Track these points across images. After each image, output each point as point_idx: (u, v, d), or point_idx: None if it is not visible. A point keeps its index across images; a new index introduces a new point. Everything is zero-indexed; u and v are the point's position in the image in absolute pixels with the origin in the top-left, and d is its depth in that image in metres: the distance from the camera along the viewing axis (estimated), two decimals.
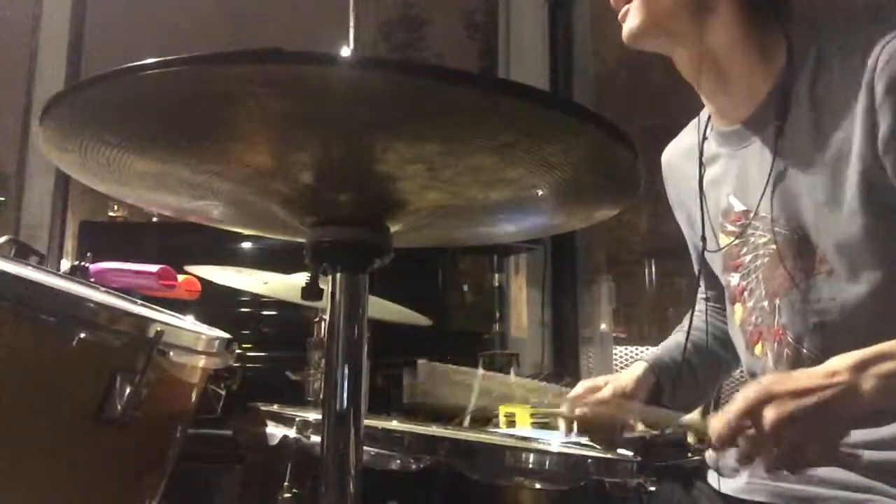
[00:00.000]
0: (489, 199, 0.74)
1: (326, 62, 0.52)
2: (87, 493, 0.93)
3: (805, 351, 1.07)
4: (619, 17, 1.13)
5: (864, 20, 1.07)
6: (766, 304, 1.12)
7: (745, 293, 1.15)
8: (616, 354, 3.02)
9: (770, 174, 1.07)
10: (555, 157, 0.64)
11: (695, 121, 1.27)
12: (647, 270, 3.50)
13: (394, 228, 0.75)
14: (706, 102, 1.19)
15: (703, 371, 1.32)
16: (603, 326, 3.08)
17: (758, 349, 1.14)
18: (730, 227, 1.16)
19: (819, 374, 0.91)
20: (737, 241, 1.14)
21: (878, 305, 1.01)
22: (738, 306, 1.18)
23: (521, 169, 0.66)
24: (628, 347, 3.10)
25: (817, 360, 1.03)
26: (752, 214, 1.11)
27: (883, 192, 0.98)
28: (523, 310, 3.09)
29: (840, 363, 0.91)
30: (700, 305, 1.35)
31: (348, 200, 0.72)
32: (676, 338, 1.35)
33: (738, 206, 1.14)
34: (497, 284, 2.70)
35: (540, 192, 0.71)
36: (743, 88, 1.11)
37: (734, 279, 1.17)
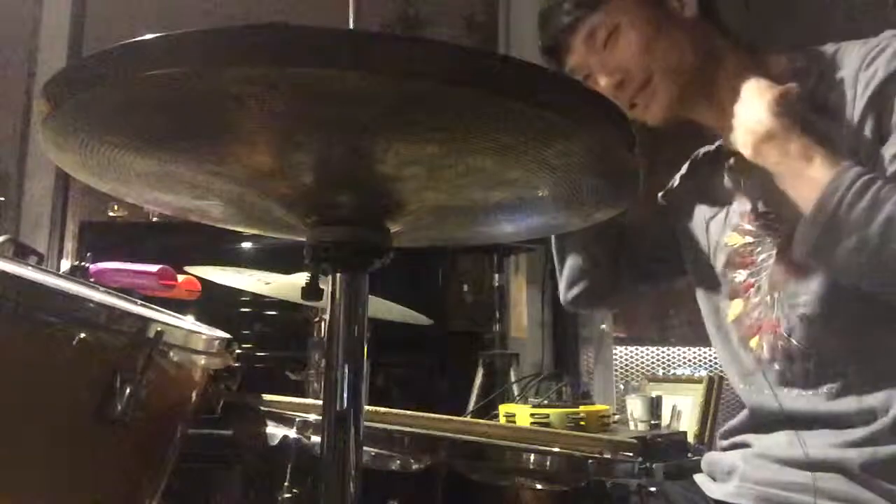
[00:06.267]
0: (489, 199, 0.74)
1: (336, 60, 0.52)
2: (87, 493, 0.93)
3: (795, 343, 1.09)
4: (630, 108, 1.16)
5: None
6: (768, 298, 1.13)
7: (752, 290, 1.16)
8: (616, 354, 3.02)
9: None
10: (555, 159, 0.64)
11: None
12: None
13: (394, 228, 0.75)
14: (725, 135, 1.21)
15: None
16: (603, 326, 3.08)
17: (753, 342, 1.16)
18: (746, 227, 1.18)
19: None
20: (752, 240, 1.16)
21: (860, 302, 1.02)
22: (737, 302, 1.19)
23: (522, 170, 0.66)
24: (628, 347, 3.10)
25: (806, 352, 1.06)
26: (773, 216, 1.14)
27: None
28: (523, 310, 3.09)
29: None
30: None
31: (348, 201, 0.72)
32: None
33: (762, 207, 1.16)
34: (497, 284, 2.69)
35: (540, 193, 0.71)
36: None
37: (740, 276, 1.18)
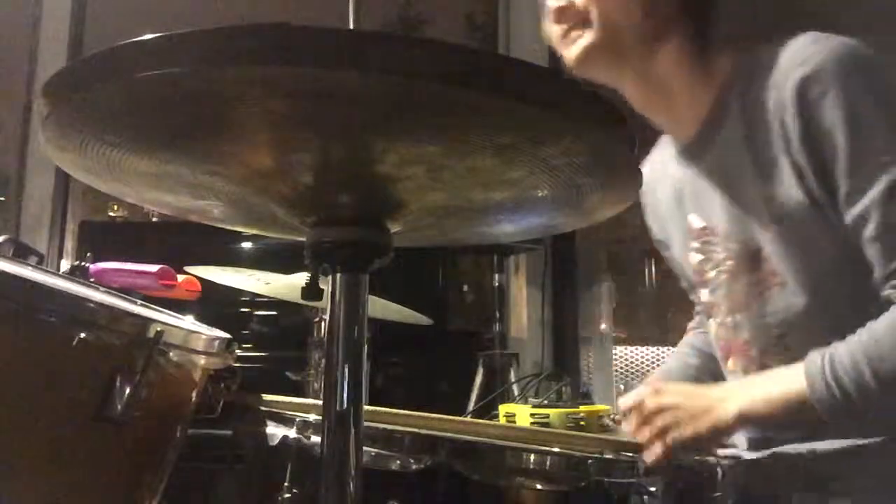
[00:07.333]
0: (489, 199, 0.74)
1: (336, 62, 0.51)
2: (87, 493, 0.93)
3: (770, 365, 1.06)
4: (562, 39, 1.11)
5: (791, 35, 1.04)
6: (728, 319, 1.12)
7: (714, 308, 1.15)
8: (616, 354, 3.02)
9: (717, 190, 1.08)
10: (555, 159, 0.64)
11: (665, 137, 1.25)
12: (647, 270, 3.50)
13: (394, 228, 0.75)
14: (658, 125, 1.18)
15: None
16: (603, 326, 3.08)
17: (730, 363, 1.15)
18: (694, 244, 1.17)
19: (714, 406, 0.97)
20: (701, 258, 1.15)
21: (833, 316, 1.00)
22: (711, 321, 1.18)
23: (522, 170, 0.66)
24: (628, 347, 3.10)
25: None
26: (708, 231, 1.12)
27: (802, 203, 0.98)
28: (523, 310, 3.09)
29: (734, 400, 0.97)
30: (695, 321, 1.36)
31: (348, 201, 0.72)
32: (681, 358, 1.35)
33: (698, 223, 1.15)
34: (497, 284, 2.69)
35: (540, 193, 0.71)
36: (689, 109, 1.11)
37: (704, 294, 1.18)
